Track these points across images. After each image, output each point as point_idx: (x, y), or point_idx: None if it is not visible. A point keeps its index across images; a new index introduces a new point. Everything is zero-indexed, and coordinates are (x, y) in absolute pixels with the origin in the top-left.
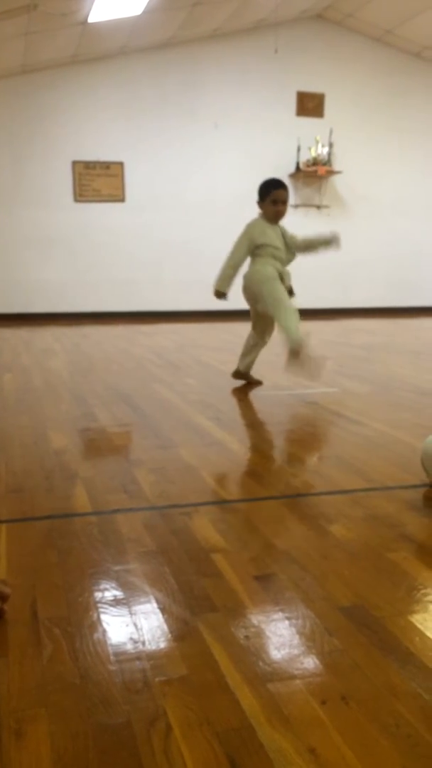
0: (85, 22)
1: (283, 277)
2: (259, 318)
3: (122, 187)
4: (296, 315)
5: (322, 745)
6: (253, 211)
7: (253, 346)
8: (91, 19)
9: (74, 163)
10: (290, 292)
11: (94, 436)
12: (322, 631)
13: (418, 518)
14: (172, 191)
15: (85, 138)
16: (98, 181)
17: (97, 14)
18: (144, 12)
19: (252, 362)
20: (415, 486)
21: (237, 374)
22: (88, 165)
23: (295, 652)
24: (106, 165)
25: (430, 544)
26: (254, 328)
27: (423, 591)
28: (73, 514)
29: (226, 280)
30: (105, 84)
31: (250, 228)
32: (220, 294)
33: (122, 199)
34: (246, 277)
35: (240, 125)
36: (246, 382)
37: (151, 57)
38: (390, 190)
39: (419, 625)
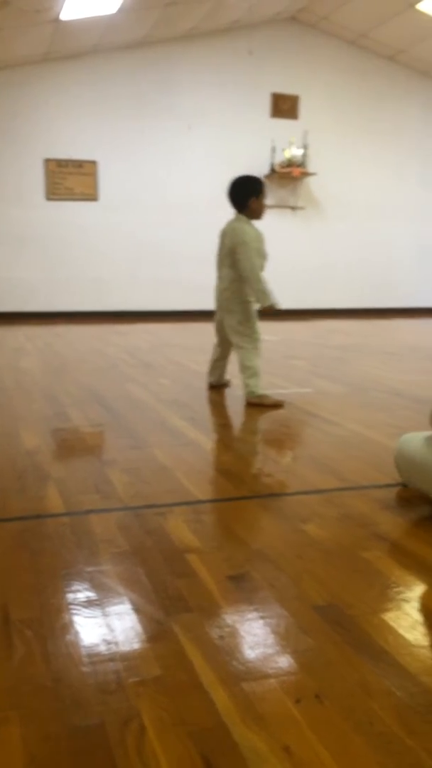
0: (57, 19)
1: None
2: (224, 328)
3: (95, 185)
4: (259, 360)
5: (296, 743)
6: (228, 211)
7: (217, 361)
8: (64, 17)
9: (46, 161)
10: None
11: (66, 437)
12: (296, 630)
13: (392, 517)
14: (146, 191)
15: (57, 136)
16: (71, 180)
17: (70, 12)
18: (118, 11)
19: (222, 373)
20: (388, 485)
21: (211, 387)
22: (61, 163)
23: (270, 651)
24: (79, 163)
25: (403, 542)
26: (218, 334)
27: (396, 589)
28: (45, 515)
29: (267, 292)
30: (78, 82)
31: (246, 236)
32: (273, 306)
33: (95, 198)
34: (225, 290)
35: (215, 126)
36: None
37: (125, 56)
38: (364, 192)
39: (392, 624)
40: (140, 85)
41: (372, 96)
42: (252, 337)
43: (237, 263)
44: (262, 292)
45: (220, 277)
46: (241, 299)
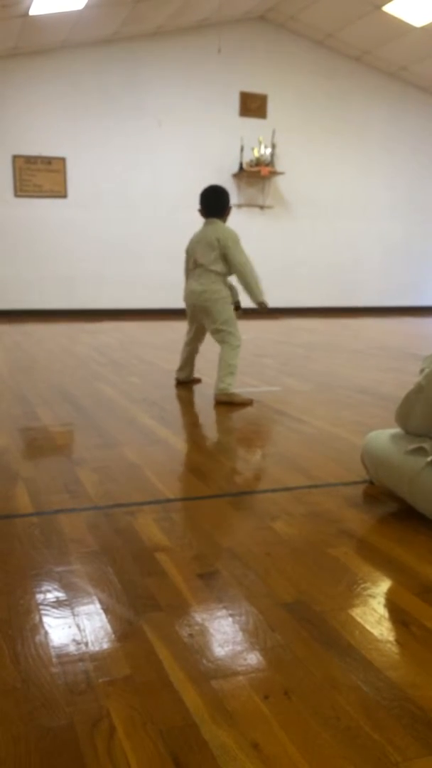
0: (26, 14)
1: (232, 295)
2: (200, 328)
3: (64, 182)
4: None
5: (265, 739)
6: (195, 209)
7: (187, 358)
8: (32, 12)
9: (15, 158)
10: (237, 307)
11: (35, 436)
12: (264, 627)
13: (358, 514)
14: (115, 188)
15: (26, 132)
16: (39, 177)
17: (38, 7)
18: (86, 7)
19: (191, 371)
20: (355, 482)
21: (179, 383)
22: (29, 159)
23: (238, 648)
24: (48, 160)
25: (369, 539)
26: (190, 333)
27: (362, 585)
28: (13, 515)
29: (261, 288)
30: (47, 78)
31: (235, 235)
32: (266, 303)
33: (64, 195)
34: (204, 291)
35: (184, 124)
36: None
37: (93, 52)
38: (330, 191)
39: (359, 619)
40: (109, 82)
41: (339, 96)
42: (236, 335)
43: (230, 260)
44: (258, 287)
45: (199, 281)
46: (223, 300)
